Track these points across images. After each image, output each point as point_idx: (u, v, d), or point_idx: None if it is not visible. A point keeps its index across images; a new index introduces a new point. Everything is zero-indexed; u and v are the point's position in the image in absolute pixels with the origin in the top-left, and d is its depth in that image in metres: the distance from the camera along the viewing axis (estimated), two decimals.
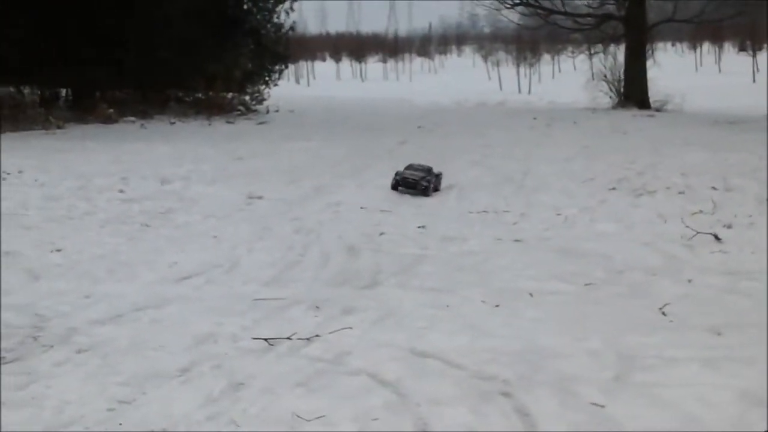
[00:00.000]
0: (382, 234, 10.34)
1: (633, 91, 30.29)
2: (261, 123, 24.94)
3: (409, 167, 13.58)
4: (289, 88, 36.27)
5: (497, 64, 66.46)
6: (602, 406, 5.24)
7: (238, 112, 27.45)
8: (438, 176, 13.61)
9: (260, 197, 13.07)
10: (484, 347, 6.28)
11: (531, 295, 7.64)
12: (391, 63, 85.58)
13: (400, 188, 13.21)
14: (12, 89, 25.65)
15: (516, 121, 25.09)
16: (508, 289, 7.84)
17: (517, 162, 16.48)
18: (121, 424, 5.19)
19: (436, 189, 13.42)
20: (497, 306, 7.33)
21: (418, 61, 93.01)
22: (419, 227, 10.69)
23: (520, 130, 22.53)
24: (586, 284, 7.99)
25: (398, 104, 33.91)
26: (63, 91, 28.25)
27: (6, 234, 10.66)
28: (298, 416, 5.17)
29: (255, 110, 28.38)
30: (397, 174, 13.44)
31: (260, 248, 9.83)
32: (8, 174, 14.92)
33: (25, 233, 10.78)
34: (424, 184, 13.09)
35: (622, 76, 31.11)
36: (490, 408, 5.28)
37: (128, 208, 12.42)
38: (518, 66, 60.86)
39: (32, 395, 5.65)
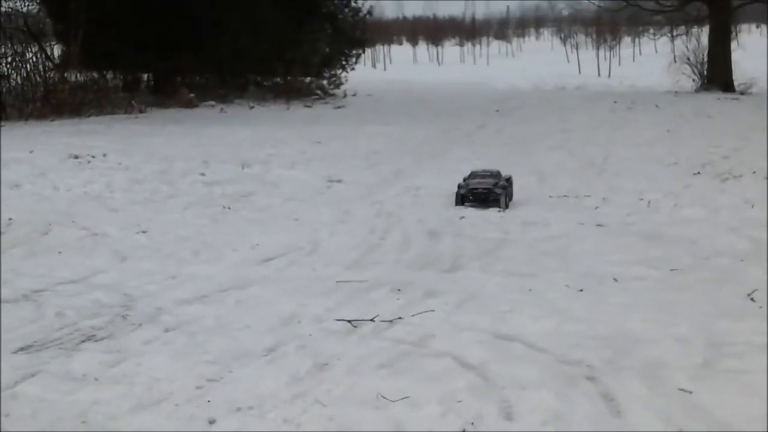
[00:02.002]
0: (462, 218, 10.32)
1: (717, 74, 29.62)
2: (339, 107, 25.04)
3: (473, 175, 11.54)
4: (366, 73, 36.36)
5: (576, 47, 65.61)
6: (690, 392, 5.15)
7: (316, 97, 27.62)
8: (509, 181, 11.55)
9: (340, 181, 13.15)
10: (568, 332, 6.23)
11: (616, 280, 7.55)
12: (468, 47, 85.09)
13: (467, 203, 11.19)
14: (96, 74, 26.15)
15: (596, 105, 24.75)
16: (592, 274, 7.76)
17: (597, 146, 16.27)
18: (209, 401, 5.28)
19: (510, 198, 11.41)
20: (581, 291, 7.26)
21: (495, 45, 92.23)
22: (499, 212, 10.64)
23: (601, 114, 22.23)
24: (672, 270, 7.86)
25: (476, 88, 33.73)
26: (144, 76, 28.73)
27: (94, 216, 10.92)
28: (383, 397, 5.19)
29: (333, 94, 28.51)
30: (460, 187, 11.33)
31: (341, 231, 9.89)
32: (93, 157, 15.26)
33: (112, 215, 11.02)
34: (498, 192, 11.06)
35: (706, 59, 30.43)
36: (575, 392, 5.23)
37: (210, 191, 12.60)
38: (598, 49, 59.98)
39: (124, 372, 5.78)
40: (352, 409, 5.05)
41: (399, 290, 7.37)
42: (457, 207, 11.04)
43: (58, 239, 9.88)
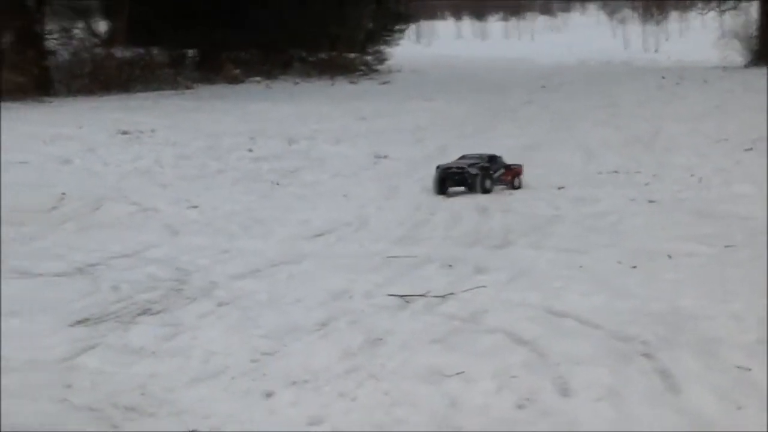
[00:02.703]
0: (511, 194, 10.28)
1: (767, 49, 29.11)
2: (383, 83, 25.02)
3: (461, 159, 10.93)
4: (410, 48, 36.22)
5: (622, 21, 64.78)
6: (748, 369, 5.11)
7: (361, 73, 27.60)
8: (511, 168, 10.83)
9: (385, 157, 13.16)
10: (622, 308, 6.20)
11: (669, 256, 7.48)
12: (512, 22, 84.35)
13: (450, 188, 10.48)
14: (142, 50, 26.31)
15: (643, 80, 24.46)
16: (645, 250, 7.70)
17: (645, 122, 16.10)
18: (265, 374, 5.33)
19: (515, 186, 10.72)
20: (634, 267, 7.21)
21: (540, 20, 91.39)
22: (560, 188, 10.52)
23: (648, 90, 21.97)
24: (725, 246, 7.78)
25: (520, 64, 33.48)
26: (189, 52, 28.85)
27: (144, 191, 11.04)
28: (438, 372, 5.21)
29: (377, 70, 28.47)
30: (438, 168, 10.64)
31: (389, 207, 9.90)
32: (141, 132, 15.41)
33: (162, 191, 11.13)
34: (472, 172, 10.38)
35: (755, 33, 29.89)
36: (630, 368, 5.21)
37: (257, 166, 12.68)
38: (644, 24, 59.18)
39: (180, 346, 5.86)
40: (407, 384, 5.08)
41: (449, 266, 7.38)
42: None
43: (109, 214, 10.00)
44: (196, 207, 10.14)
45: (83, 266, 7.82)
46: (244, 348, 5.76)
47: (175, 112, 18.35)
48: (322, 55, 28.10)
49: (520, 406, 4.82)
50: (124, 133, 15.38)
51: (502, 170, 10.67)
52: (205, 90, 23.22)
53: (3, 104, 19.57)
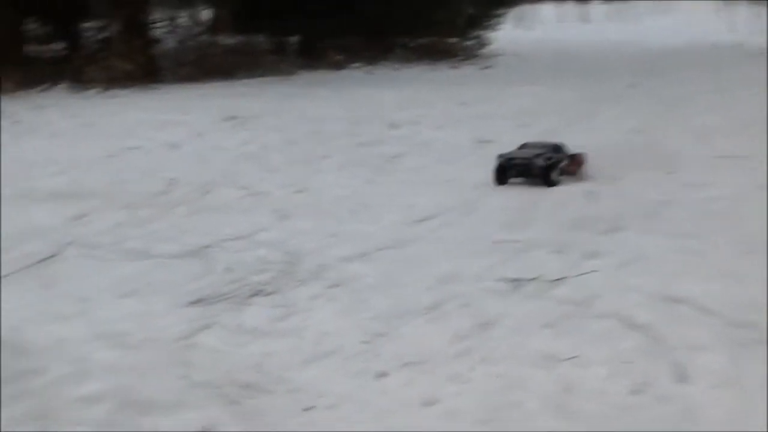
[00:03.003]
0: (621, 178, 10.11)
1: None
2: (485, 68, 24.85)
3: (522, 148, 10.53)
4: (512, 33, 35.84)
5: (730, 3, 63.04)
6: None
7: (462, 58, 27.45)
8: (576, 157, 10.29)
9: (489, 141, 13.06)
10: (739, 294, 6.06)
11: None
12: (615, 4, 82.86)
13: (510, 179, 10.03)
14: (245, 38, 26.68)
15: (756, 63, 23.71)
16: (761, 236, 7.48)
17: (757, 106, 15.61)
18: (377, 355, 5.38)
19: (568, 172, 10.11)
20: (750, 253, 7.02)
21: (644, 2, 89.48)
22: (669, 173, 10.31)
23: (761, 72, 21.29)
24: None
25: (625, 47, 32.81)
26: (292, 39, 29.14)
27: (252, 175, 11.22)
28: (550, 356, 5.18)
29: (478, 55, 28.27)
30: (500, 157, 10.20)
31: (494, 192, 9.84)
32: (247, 118, 15.65)
33: (270, 175, 11.29)
34: (539, 163, 9.85)
35: None
36: (749, 356, 5.10)
37: (361, 152, 12.75)
38: (753, 5, 57.44)
39: (292, 326, 5.96)
40: (520, 368, 5.07)
41: (559, 250, 7.31)
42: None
43: (219, 198, 10.21)
44: (303, 191, 10.26)
45: (196, 248, 7.99)
46: (356, 329, 5.83)
47: (279, 98, 18.58)
48: (423, 41, 28.04)
49: (635, 392, 4.77)
50: (231, 118, 15.64)
51: (566, 161, 10.06)
52: (307, 76, 23.42)
53: (113, 91, 20.17)
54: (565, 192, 9.60)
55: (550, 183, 9.74)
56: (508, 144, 12.64)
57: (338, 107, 17.21)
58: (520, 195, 9.61)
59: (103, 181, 11.25)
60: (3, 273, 7.47)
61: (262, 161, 12.17)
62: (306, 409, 4.66)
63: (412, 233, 8.32)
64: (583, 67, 24.04)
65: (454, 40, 28.36)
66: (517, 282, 6.53)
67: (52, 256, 8.02)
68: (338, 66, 24.89)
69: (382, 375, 5.11)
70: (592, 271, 6.66)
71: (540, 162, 9.80)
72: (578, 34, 45.74)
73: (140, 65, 22.11)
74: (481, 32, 29.70)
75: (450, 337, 5.61)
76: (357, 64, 25.40)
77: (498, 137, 13.29)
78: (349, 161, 12.10)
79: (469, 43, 28.99)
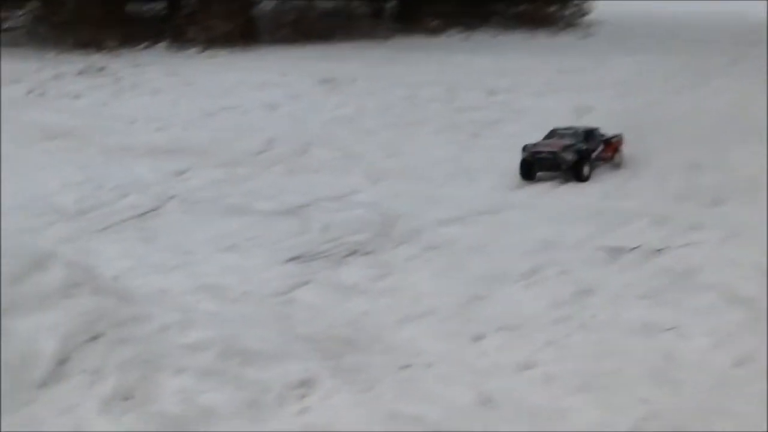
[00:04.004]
0: (726, 150, 9.84)
1: None
2: (584, 36, 24.38)
3: (550, 135, 9.54)
4: (613, 2, 35.19)
5: None
6: None
7: (561, 26, 27.00)
8: (609, 141, 9.48)
9: (589, 110, 12.84)
10: None
11: None
12: None
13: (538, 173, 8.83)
14: (342, 1, 26.66)
15: None
16: None
17: None
18: (473, 318, 5.38)
19: (615, 162, 9.36)
20: None
21: None
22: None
23: None
24: None
25: (731, 18, 31.87)
26: (388, 4, 29.03)
27: (347, 138, 11.27)
28: (651, 326, 5.10)
29: (577, 24, 27.76)
30: (525, 150, 9.07)
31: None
32: (343, 81, 15.67)
33: (365, 138, 11.32)
34: (568, 157, 8.79)
35: None
36: None
37: (457, 117, 12.66)
38: None
39: (389, 286, 6.00)
40: (619, 336, 5.01)
41: (661, 221, 7.17)
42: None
43: (315, 159, 10.29)
44: (398, 155, 10.26)
45: (293, 207, 8.07)
46: (453, 291, 5.83)
47: (375, 63, 18.54)
48: (521, 8, 27.63)
49: (737, 364, 4.68)
50: (327, 81, 15.68)
51: (601, 147, 9.23)
52: (403, 41, 23.31)
53: (211, 51, 20.42)
54: (667, 162, 9.35)
55: (581, 178, 8.77)
56: (608, 113, 12.43)
57: (434, 73, 17.09)
58: (625, 163, 9.42)
59: (202, 139, 11.44)
60: (107, 224, 7.70)
61: (357, 124, 12.20)
62: (402, 368, 4.68)
63: (509, 199, 8.27)
64: (687, 37, 23.38)
65: (552, 8, 27.90)
66: (617, 251, 6.43)
67: (153, 210, 8.21)
68: (435, 32, 24.70)
69: (479, 337, 5.10)
70: (694, 242, 6.51)
71: (569, 156, 8.78)
72: (682, 3, 44.65)
73: (239, 26, 22.29)
74: (581, 1, 29.16)
75: (548, 303, 5.57)
76: (454, 31, 25.18)
77: (597, 106, 13.06)
78: (445, 126, 12.04)
79: (568, 11, 28.50)
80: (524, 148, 8.89)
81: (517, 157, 9.84)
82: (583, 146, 8.86)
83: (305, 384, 4.20)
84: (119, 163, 10.13)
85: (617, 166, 9.27)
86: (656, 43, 22.21)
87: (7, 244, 4.50)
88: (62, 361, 3.93)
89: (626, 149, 9.64)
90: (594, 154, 8.99)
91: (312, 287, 5.96)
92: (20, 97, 15.71)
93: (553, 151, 8.78)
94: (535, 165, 8.85)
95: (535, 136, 11.10)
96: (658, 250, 6.41)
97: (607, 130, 9.86)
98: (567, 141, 8.94)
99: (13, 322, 4.00)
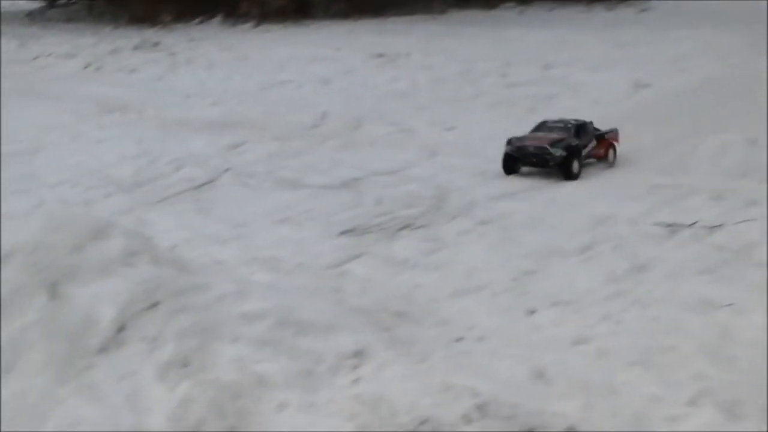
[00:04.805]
0: None
1: None
2: (642, 10, 24.01)
3: (539, 128, 8.90)
4: None
5: None
6: None
7: (618, 0, 26.61)
8: (603, 136, 8.87)
9: (647, 85, 12.68)
10: None
11: None
12: None
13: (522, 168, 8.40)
14: None
15: None
16: None
17: None
18: (527, 292, 5.36)
19: (609, 158, 8.80)
20: None
21: None
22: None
23: None
24: None
25: None
26: None
27: (401, 112, 11.26)
28: (707, 302, 5.04)
29: None
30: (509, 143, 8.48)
31: (653, 135, 9.55)
32: (397, 56, 15.63)
33: (419, 112, 11.30)
34: (556, 154, 8.23)
35: None
36: None
37: (512, 92, 12.59)
38: None
39: (442, 260, 5.99)
40: (675, 312, 4.95)
41: (718, 197, 7.07)
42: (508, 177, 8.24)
43: (368, 133, 10.30)
44: (452, 129, 10.23)
45: (347, 180, 8.10)
46: (506, 266, 5.81)
47: (428, 37, 18.47)
48: None
49: None
50: (380, 56, 15.66)
51: (593, 143, 8.66)
52: (457, 15, 23.19)
53: (265, 26, 20.50)
54: (725, 138, 9.21)
55: (570, 176, 8.17)
56: (666, 88, 12.27)
57: (489, 47, 16.98)
58: (681, 139, 9.26)
59: (256, 113, 11.51)
60: (163, 196, 7.79)
61: (411, 99, 12.18)
62: (456, 340, 4.68)
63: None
64: (748, 11, 22.93)
65: None
66: (674, 227, 6.36)
67: (208, 183, 8.29)
68: (489, 5, 24.52)
69: (532, 311, 5.08)
70: (751, 219, 6.40)
71: (557, 152, 8.21)
72: None
73: (292, 1, 22.36)
74: None
75: (603, 278, 5.53)
76: (509, 4, 24.97)
77: (656, 81, 12.89)
78: (499, 101, 11.98)
79: None
80: (509, 142, 8.31)
81: None
82: (574, 141, 8.27)
83: (358, 355, 4.22)
84: (175, 136, 10.24)
85: (611, 164, 8.64)
86: (714, 18, 21.79)
87: (68, 213, 4.57)
88: (121, 329, 3.99)
89: (674, 128, 9.39)
90: (585, 151, 8.39)
91: (365, 260, 5.98)
92: (77, 71, 15.97)
93: (540, 146, 8.20)
94: (521, 160, 8.28)
95: (593, 110, 11.01)
96: (715, 227, 6.30)
97: (667, 104, 9.75)
98: (556, 135, 8.34)
99: (73, 290, 4.07)
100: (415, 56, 15.66)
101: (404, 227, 6.71)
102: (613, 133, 8.85)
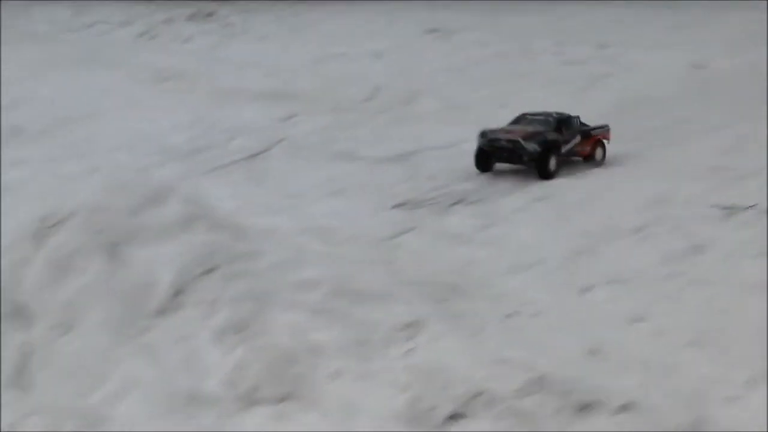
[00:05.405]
0: None
1: None
2: None
3: (517, 121, 8.19)
4: None
5: None
6: None
7: None
8: (589, 133, 8.11)
9: (704, 67, 12.47)
10: None
11: None
12: None
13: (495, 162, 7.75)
14: None
15: None
16: None
17: None
18: (581, 270, 5.31)
19: (598, 158, 8.06)
20: None
21: None
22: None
23: None
24: None
25: None
26: None
27: (454, 88, 11.19)
28: (764, 285, 4.95)
29: None
30: (482, 136, 7.83)
31: (708, 117, 9.38)
32: (451, 31, 15.52)
33: (473, 88, 11.20)
34: (529, 149, 7.48)
35: None
36: None
37: (566, 70, 12.44)
38: None
39: (495, 236, 5.96)
40: (733, 293, 4.88)
41: None
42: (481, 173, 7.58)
43: (422, 107, 10.25)
44: (506, 106, 10.12)
45: (400, 154, 8.09)
46: (560, 243, 5.77)
47: (483, 13, 18.28)
48: None
49: None
50: (434, 31, 15.56)
51: (577, 139, 7.96)
52: None
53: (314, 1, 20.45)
54: None
55: (545, 175, 7.40)
56: (724, 69, 12.04)
57: (544, 24, 16.78)
58: (741, 121, 9.09)
59: (310, 85, 11.51)
60: (217, 164, 7.83)
61: (464, 74, 12.09)
62: (509, 315, 4.66)
63: (619, 153, 8.10)
64: None
65: None
66: (731, 209, 6.25)
67: (262, 153, 8.32)
68: None
69: (587, 289, 5.04)
70: None
71: (531, 147, 7.48)
72: None
73: None
74: None
75: (659, 258, 5.46)
76: None
77: (713, 62, 12.68)
78: (553, 79, 11.84)
79: None
80: (482, 134, 7.62)
81: (628, 113, 9.64)
82: (552, 136, 7.58)
83: (412, 326, 4.22)
84: (228, 106, 10.28)
85: (598, 164, 7.95)
86: None
87: (125, 178, 4.62)
88: (178, 292, 4.03)
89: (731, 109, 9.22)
90: (566, 147, 7.68)
91: (418, 233, 5.98)
92: (132, 39, 16.07)
93: (514, 140, 7.50)
94: (493, 155, 7.62)
95: (646, 90, 10.86)
96: None
97: (727, 85, 9.57)
98: (532, 128, 7.69)
99: (132, 252, 4.12)
100: (470, 32, 15.54)
101: (457, 202, 6.70)
102: (603, 131, 8.17)
